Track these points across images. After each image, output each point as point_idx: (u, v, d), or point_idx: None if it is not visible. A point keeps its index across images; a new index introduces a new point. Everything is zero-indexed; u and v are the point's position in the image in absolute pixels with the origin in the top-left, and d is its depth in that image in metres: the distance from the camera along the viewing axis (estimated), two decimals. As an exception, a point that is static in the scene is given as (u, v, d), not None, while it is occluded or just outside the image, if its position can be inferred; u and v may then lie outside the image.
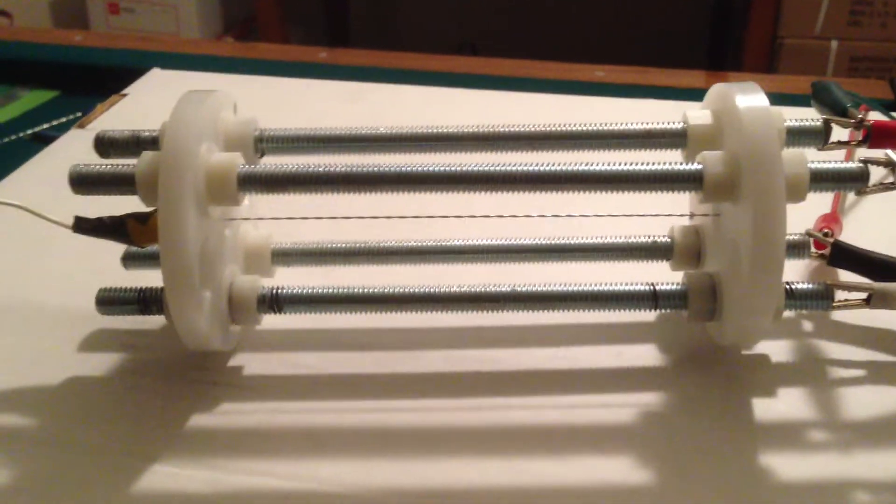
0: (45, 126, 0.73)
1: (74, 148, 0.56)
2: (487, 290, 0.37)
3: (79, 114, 0.72)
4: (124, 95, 0.63)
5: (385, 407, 0.35)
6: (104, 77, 0.79)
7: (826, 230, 0.39)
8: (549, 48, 1.83)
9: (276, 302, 0.37)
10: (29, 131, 0.73)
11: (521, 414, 0.34)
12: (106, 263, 0.39)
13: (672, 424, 0.34)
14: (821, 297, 0.36)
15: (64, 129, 0.70)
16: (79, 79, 0.84)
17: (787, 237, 0.37)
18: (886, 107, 0.78)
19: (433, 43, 1.74)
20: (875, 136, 0.36)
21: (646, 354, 0.37)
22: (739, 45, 1.51)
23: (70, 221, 0.36)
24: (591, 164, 0.34)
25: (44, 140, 0.68)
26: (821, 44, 1.40)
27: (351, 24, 1.91)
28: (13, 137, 0.72)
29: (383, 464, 0.32)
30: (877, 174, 0.35)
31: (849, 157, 0.42)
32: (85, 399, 0.36)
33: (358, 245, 0.39)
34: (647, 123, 0.36)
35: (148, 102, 0.63)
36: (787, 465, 0.31)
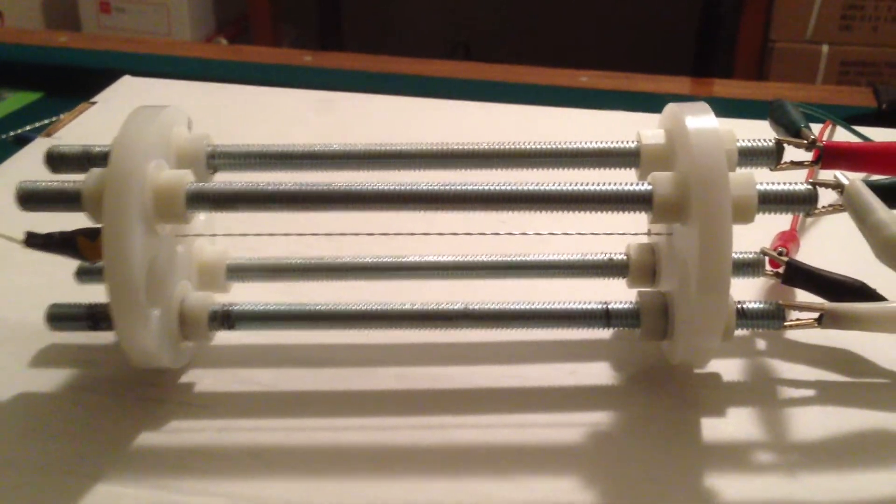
0: (28, 128, 0.73)
1: (39, 157, 0.56)
2: (441, 308, 0.36)
3: (62, 116, 0.72)
4: (93, 103, 0.63)
5: (335, 426, 0.35)
6: (88, 79, 0.79)
7: (781, 249, 0.39)
8: (544, 47, 1.83)
9: (227, 319, 0.36)
10: (11, 133, 0.73)
11: (471, 433, 0.34)
12: (60, 277, 0.38)
13: (621, 445, 0.34)
14: (772, 317, 0.36)
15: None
16: (63, 81, 0.84)
17: (743, 255, 0.37)
18: (870, 115, 0.78)
19: (427, 43, 1.74)
20: (827, 157, 0.36)
21: (599, 373, 0.37)
22: (730, 48, 1.51)
23: (24, 236, 0.36)
24: (544, 185, 0.34)
25: (26, 142, 0.68)
26: (812, 48, 1.40)
27: (344, 24, 1.90)
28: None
29: (330, 484, 0.32)
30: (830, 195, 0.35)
31: (810, 177, 0.42)
32: (32, 416, 0.36)
33: (314, 261, 0.39)
34: (602, 142, 0.36)
35: (116, 111, 0.61)
36: (732, 488, 0.31)
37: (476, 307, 0.36)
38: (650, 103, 0.81)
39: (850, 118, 0.81)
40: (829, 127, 0.53)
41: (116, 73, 0.67)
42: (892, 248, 0.30)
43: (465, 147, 0.36)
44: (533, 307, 0.36)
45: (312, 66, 0.92)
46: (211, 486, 0.32)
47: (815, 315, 0.36)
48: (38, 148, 0.57)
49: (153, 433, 0.34)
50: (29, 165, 0.55)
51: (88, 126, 0.60)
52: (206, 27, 1.64)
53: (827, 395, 0.36)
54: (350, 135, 0.58)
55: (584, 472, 0.32)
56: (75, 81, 0.86)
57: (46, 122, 0.75)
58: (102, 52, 0.91)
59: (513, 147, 0.36)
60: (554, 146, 0.36)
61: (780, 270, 0.39)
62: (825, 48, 1.39)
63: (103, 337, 0.38)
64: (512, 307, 0.36)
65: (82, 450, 0.34)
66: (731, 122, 0.36)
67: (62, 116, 0.61)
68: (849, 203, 0.32)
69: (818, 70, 1.42)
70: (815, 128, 0.45)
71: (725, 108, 0.84)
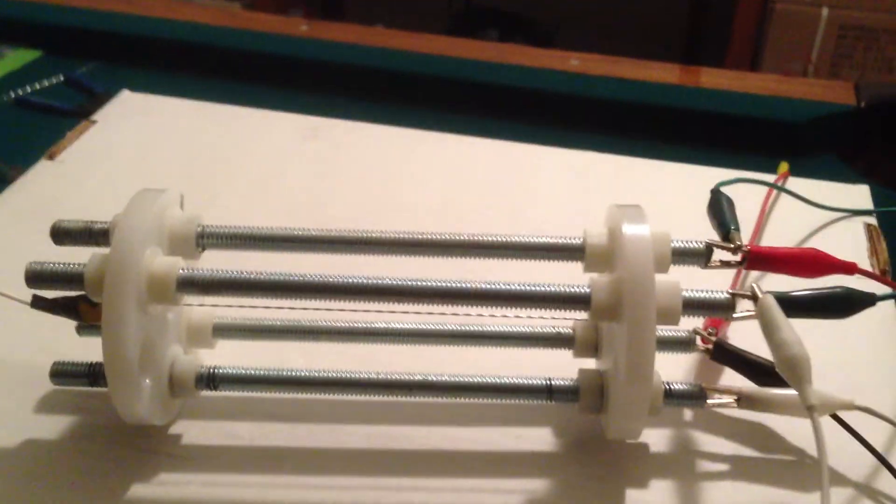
0: (28, 90, 0.75)
1: (43, 183, 0.59)
2: (402, 378, 0.41)
3: (61, 77, 0.75)
4: (93, 122, 0.66)
5: (307, 483, 0.39)
6: (88, 39, 0.82)
7: (711, 329, 0.43)
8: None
9: (212, 381, 0.41)
10: (11, 94, 0.75)
11: (423, 496, 0.39)
12: (66, 324, 0.42)
13: (554, 512, 0.38)
14: (695, 398, 0.40)
15: (46, 93, 0.73)
16: (62, 39, 0.86)
17: (677, 333, 0.41)
18: (848, 113, 0.80)
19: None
20: (752, 260, 0.40)
21: (542, 438, 0.42)
22: (731, 10, 1.52)
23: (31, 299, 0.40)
24: (495, 284, 0.38)
25: (27, 105, 0.71)
26: (812, 10, 1.42)
27: None
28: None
29: (296, 541, 0.37)
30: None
31: (738, 278, 0.47)
32: (36, 462, 0.40)
33: (290, 324, 0.43)
34: (550, 238, 0.40)
35: (118, 130, 0.66)
36: (644, 559, 0.36)
37: (433, 378, 0.41)
38: (636, 92, 0.85)
39: (827, 116, 0.83)
40: (774, 184, 0.57)
41: (115, 35, 0.69)
42: (791, 366, 0.34)
43: (428, 237, 0.40)
44: (484, 380, 0.41)
45: (308, 37, 0.94)
46: (193, 539, 0.37)
47: (734, 397, 0.40)
48: (42, 172, 0.61)
49: (143, 485, 0.39)
50: (37, 190, 0.58)
51: (90, 146, 0.64)
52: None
53: (739, 469, 0.40)
54: (336, 164, 0.62)
55: (518, 538, 0.37)
56: (74, 40, 0.89)
57: (46, 83, 0.77)
58: (102, 11, 0.92)
59: (470, 239, 0.40)
60: (507, 240, 0.40)
61: (710, 347, 0.43)
62: (825, 11, 1.40)
63: (100, 384, 0.43)
64: (465, 380, 0.41)
65: (79, 499, 0.38)
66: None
67: (66, 134, 0.65)
68: (760, 316, 0.37)
69: (816, 34, 1.44)
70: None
71: (710, 99, 0.86)
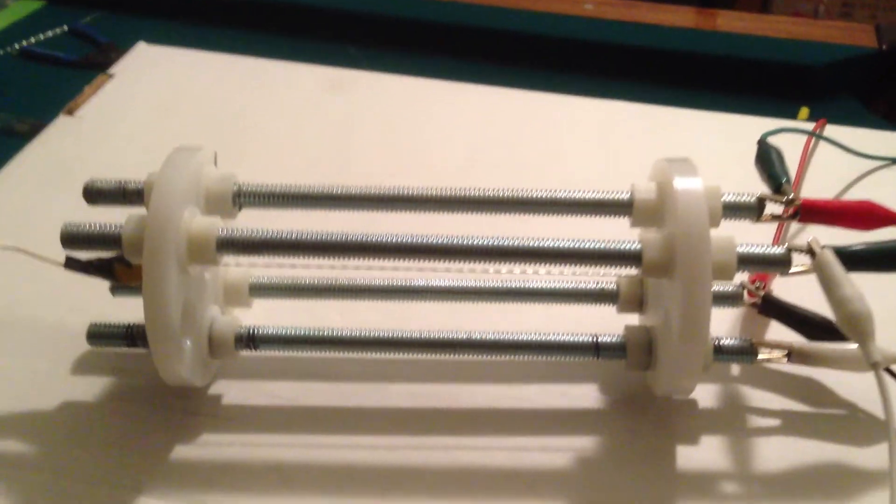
0: (33, 41, 0.74)
1: (64, 140, 0.58)
2: (445, 336, 0.40)
3: (65, 27, 0.73)
4: (111, 76, 0.65)
5: (350, 443, 0.39)
6: None
7: (759, 283, 0.42)
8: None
9: (252, 341, 0.40)
10: (16, 45, 0.73)
11: (471, 455, 0.38)
12: (98, 283, 0.41)
13: (603, 470, 0.38)
14: (745, 353, 0.39)
15: (51, 44, 0.71)
16: None
17: (725, 288, 0.41)
18: (871, 56, 0.78)
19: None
20: (804, 213, 0.39)
21: (587, 395, 0.41)
22: None
23: (64, 260, 0.39)
24: (544, 240, 0.37)
25: (32, 57, 0.70)
26: None
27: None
28: (1, 52, 0.72)
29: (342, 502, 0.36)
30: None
31: (780, 232, 0.46)
32: (76, 424, 0.40)
33: (328, 281, 0.42)
34: (598, 193, 0.39)
35: (136, 85, 0.64)
36: (698, 518, 0.36)
37: (478, 337, 0.40)
38: (654, 35, 0.83)
39: (846, 60, 0.82)
40: (817, 133, 0.55)
41: None
42: (853, 322, 0.34)
43: (472, 194, 0.39)
44: (529, 338, 0.40)
45: None
46: (237, 501, 0.36)
47: (785, 352, 0.40)
48: (62, 128, 0.59)
49: (186, 446, 0.39)
50: (58, 147, 0.57)
51: (109, 101, 0.63)
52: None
53: (790, 425, 0.40)
54: (361, 117, 0.61)
55: (571, 498, 0.37)
56: None
57: (50, 34, 0.75)
58: None
59: (515, 195, 0.39)
60: (553, 195, 0.39)
61: (757, 301, 0.42)
62: None
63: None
64: (510, 337, 0.40)
65: (122, 461, 0.38)
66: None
67: (84, 89, 0.63)
68: (818, 272, 0.36)
69: None
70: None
71: (728, 43, 0.84)
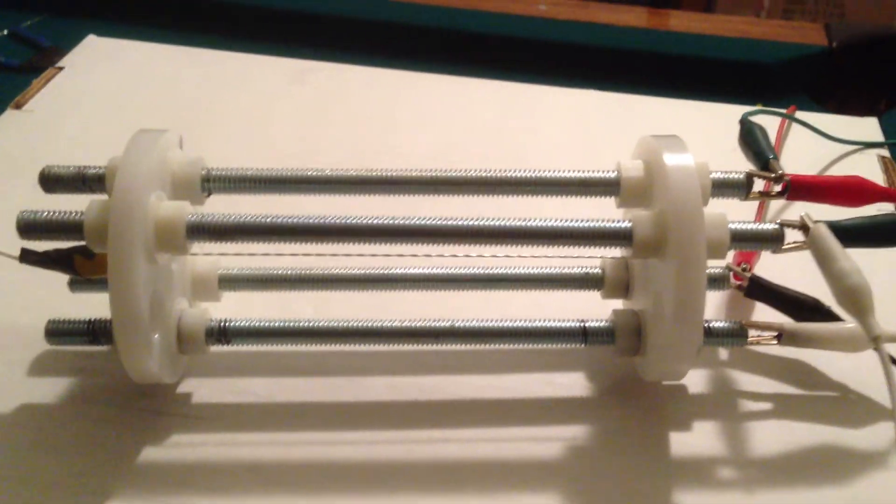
0: (23, 25, 0.71)
1: (12, 134, 0.55)
2: (427, 325, 0.38)
3: (4, 31, 0.70)
4: (60, 69, 0.62)
5: (330, 440, 0.37)
6: None
7: (744, 265, 0.41)
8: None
9: (223, 334, 0.38)
10: (4, 31, 0.70)
11: (457, 448, 0.37)
12: (54, 279, 0.39)
13: (594, 459, 0.36)
14: (736, 336, 0.38)
15: None
16: None
17: (711, 271, 0.39)
18: (821, 54, 0.79)
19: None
20: (793, 190, 0.38)
21: (574, 384, 0.40)
22: None
23: (19, 252, 0.37)
24: (529, 221, 0.36)
25: (18, 38, 0.67)
26: None
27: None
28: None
29: (324, 501, 0.35)
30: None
31: (762, 210, 0.45)
32: (37, 429, 0.37)
33: (302, 272, 0.40)
34: (583, 172, 0.37)
35: (88, 77, 0.62)
36: (695, 504, 0.35)
37: (461, 325, 0.39)
38: (607, 35, 0.83)
39: (802, 58, 0.82)
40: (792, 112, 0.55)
41: None
42: (852, 296, 0.33)
43: (453, 175, 0.37)
44: (514, 325, 0.39)
45: None
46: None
47: (775, 333, 0.39)
48: (9, 122, 0.57)
49: (155, 448, 0.36)
50: (6, 141, 0.55)
51: (59, 94, 0.60)
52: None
53: (782, 408, 0.39)
54: (327, 108, 0.59)
55: (560, 489, 0.35)
56: None
57: (38, 19, 0.72)
58: None
59: (500, 175, 0.37)
60: (538, 175, 0.37)
61: (743, 284, 0.41)
62: None
63: (97, 343, 0.40)
64: (495, 325, 0.39)
65: (88, 465, 0.36)
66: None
67: (32, 83, 0.60)
68: (813, 247, 0.35)
69: None
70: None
71: (681, 42, 0.84)
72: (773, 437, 0.37)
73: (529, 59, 0.79)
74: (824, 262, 0.34)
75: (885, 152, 0.55)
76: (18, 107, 0.58)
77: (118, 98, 0.60)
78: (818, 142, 0.55)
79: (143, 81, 0.62)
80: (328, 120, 0.58)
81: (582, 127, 0.59)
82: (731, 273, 0.41)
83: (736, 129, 0.45)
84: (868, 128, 0.58)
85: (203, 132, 0.56)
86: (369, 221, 0.35)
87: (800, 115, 0.56)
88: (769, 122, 0.53)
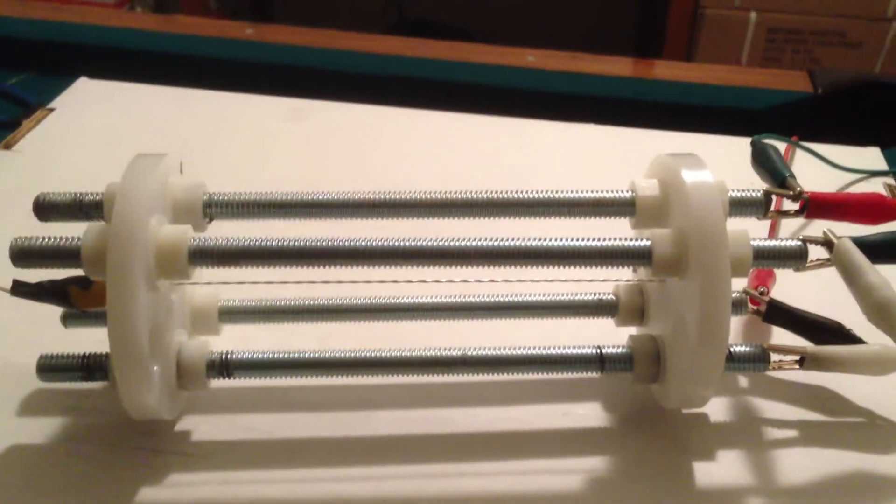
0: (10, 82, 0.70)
1: (1, 174, 0.54)
2: (439, 354, 0.37)
3: (22, 122, 0.70)
4: (51, 110, 0.61)
5: (338, 476, 0.35)
6: (16, 49, 0.77)
7: (762, 288, 0.40)
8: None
9: (226, 368, 0.36)
10: None
11: (472, 482, 0.35)
12: (45, 314, 0.37)
13: (617, 492, 0.35)
14: (758, 360, 0.37)
15: None
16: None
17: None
18: (808, 101, 0.79)
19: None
20: (812, 208, 0.37)
21: (591, 414, 0.38)
22: (663, 16, 1.54)
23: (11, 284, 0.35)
24: (545, 240, 0.34)
25: (3, 95, 0.66)
26: (740, 14, 1.44)
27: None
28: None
29: (337, 540, 0.33)
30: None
31: (774, 230, 0.44)
32: (30, 470, 0.35)
33: (304, 303, 0.39)
34: (598, 192, 0.36)
35: (79, 118, 0.60)
36: (726, 535, 0.33)
37: (474, 353, 0.37)
38: (595, 86, 0.83)
39: (787, 104, 0.83)
40: (802, 147, 0.55)
41: (47, 45, 0.64)
42: (883, 310, 0.32)
43: (462, 196, 0.36)
44: (529, 352, 0.37)
45: (254, 40, 0.89)
46: (218, 544, 0.32)
47: (797, 357, 0.37)
48: (-1, 162, 0.55)
49: (153, 488, 0.34)
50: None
51: (50, 135, 0.59)
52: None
53: (808, 435, 0.37)
54: (324, 146, 0.58)
55: (584, 521, 0.33)
56: (3, 50, 0.82)
57: (23, 76, 0.71)
58: (28, 20, 0.86)
59: (511, 196, 0.36)
60: (551, 195, 0.36)
61: (761, 308, 0.40)
62: (753, 15, 1.43)
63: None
64: (509, 353, 0.37)
65: (84, 507, 0.34)
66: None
67: (23, 123, 0.59)
68: (838, 262, 0.34)
69: (746, 37, 1.46)
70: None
71: (667, 90, 0.85)
72: (800, 465, 0.36)
73: (521, 108, 0.79)
74: (851, 277, 0.33)
75: (892, 180, 0.55)
76: (8, 147, 0.57)
77: (110, 138, 0.58)
78: (823, 171, 0.55)
79: (136, 121, 0.61)
80: (325, 157, 0.57)
81: (581, 159, 0.58)
82: (748, 297, 0.40)
83: (734, 161, 0.44)
84: (871, 157, 0.57)
85: (198, 172, 0.54)
86: (378, 243, 0.34)
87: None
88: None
